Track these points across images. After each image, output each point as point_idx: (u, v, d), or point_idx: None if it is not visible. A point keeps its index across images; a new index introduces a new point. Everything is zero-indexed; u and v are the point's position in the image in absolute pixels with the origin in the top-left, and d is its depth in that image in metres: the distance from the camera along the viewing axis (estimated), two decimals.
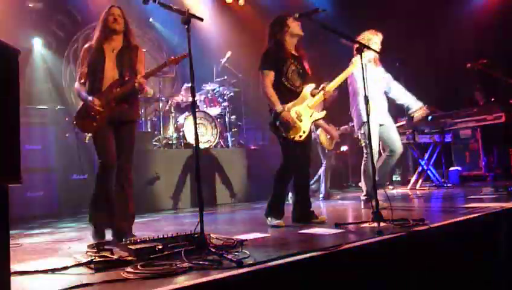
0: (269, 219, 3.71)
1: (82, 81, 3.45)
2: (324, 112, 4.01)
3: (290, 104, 3.69)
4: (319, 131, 6.42)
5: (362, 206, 4.65)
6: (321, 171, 6.57)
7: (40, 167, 6.18)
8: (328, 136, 6.47)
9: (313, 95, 3.79)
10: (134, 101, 3.51)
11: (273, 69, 3.71)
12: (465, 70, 5.87)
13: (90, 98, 3.35)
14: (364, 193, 4.68)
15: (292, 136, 3.63)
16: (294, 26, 3.79)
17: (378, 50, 4.58)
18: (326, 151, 6.57)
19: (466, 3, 8.50)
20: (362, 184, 4.74)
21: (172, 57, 3.48)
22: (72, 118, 3.54)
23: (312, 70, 3.93)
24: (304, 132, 3.68)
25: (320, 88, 3.83)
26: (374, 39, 4.58)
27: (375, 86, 4.56)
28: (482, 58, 6.71)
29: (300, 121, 3.68)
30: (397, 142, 4.70)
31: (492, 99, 7.31)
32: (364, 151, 4.68)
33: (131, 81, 3.38)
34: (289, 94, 3.74)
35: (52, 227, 4.87)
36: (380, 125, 4.67)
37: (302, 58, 3.89)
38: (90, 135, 3.43)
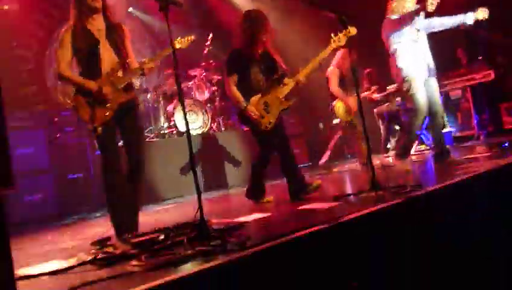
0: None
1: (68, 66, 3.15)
2: (292, 101, 3.95)
3: (255, 97, 3.81)
4: (337, 102, 6.03)
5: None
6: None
7: (35, 170, 6.15)
8: (346, 108, 6.01)
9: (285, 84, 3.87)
10: (132, 85, 3.35)
11: (237, 73, 3.87)
12: (449, 30, 5.84)
13: (93, 84, 3.08)
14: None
15: (260, 127, 3.79)
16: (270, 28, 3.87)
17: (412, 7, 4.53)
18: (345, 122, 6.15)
19: None
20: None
21: (180, 38, 3.43)
22: (77, 113, 3.17)
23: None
24: (271, 122, 3.80)
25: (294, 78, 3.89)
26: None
27: (415, 45, 4.57)
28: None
29: (268, 112, 3.81)
30: (437, 104, 4.64)
31: (480, 58, 7.31)
32: (411, 108, 4.75)
33: (135, 65, 3.20)
34: (255, 91, 3.85)
35: (53, 228, 4.88)
36: (425, 80, 4.61)
37: (270, 54, 3.97)
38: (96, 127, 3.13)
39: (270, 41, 3.96)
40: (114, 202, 3.18)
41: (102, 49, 3.18)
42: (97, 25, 3.22)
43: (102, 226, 3.43)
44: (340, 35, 3.84)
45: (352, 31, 3.80)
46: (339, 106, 6.03)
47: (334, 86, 6.01)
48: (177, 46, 3.43)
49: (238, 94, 3.84)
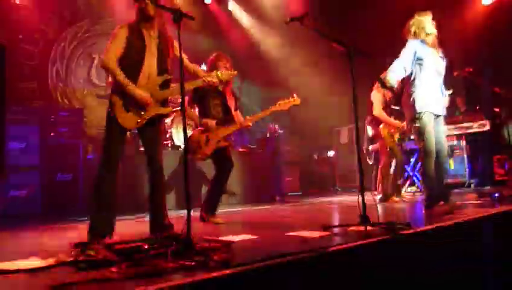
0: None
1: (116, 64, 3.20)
2: (227, 143, 4.32)
3: (200, 130, 4.24)
4: (382, 127, 5.88)
5: (423, 210, 4.11)
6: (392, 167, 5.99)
7: (24, 166, 6.08)
8: (391, 130, 5.89)
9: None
10: (167, 100, 3.45)
11: (199, 102, 4.36)
12: (451, 78, 5.93)
13: (140, 92, 3.17)
14: (425, 197, 4.14)
15: (195, 156, 4.22)
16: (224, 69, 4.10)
17: (431, 32, 4.20)
18: (388, 148, 5.96)
19: (455, 14, 8.60)
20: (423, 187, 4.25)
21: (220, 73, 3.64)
22: (110, 108, 3.21)
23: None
24: (206, 155, 4.22)
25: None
26: (425, 21, 4.21)
27: (434, 75, 4.17)
28: (468, 67, 6.84)
29: (206, 145, 4.20)
30: (444, 144, 4.22)
31: (478, 107, 7.42)
32: (422, 148, 4.10)
33: (171, 85, 3.35)
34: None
35: (35, 226, 4.79)
36: (436, 116, 4.17)
37: (225, 93, 4.38)
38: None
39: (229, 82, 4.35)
40: (98, 201, 3.20)
41: (148, 53, 3.26)
42: (151, 32, 3.31)
43: (85, 230, 3.36)
44: (286, 101, 4.31)
45: (297, 101, 4.31)
46: (383, 130, 5.89)
47: (378, 110, 5.89)
48: (219, 76, 3.60)
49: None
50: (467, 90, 7.89)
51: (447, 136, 7.46)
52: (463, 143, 7.38)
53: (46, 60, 8.04)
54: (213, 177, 4.40)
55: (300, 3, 9.43)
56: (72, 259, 2.37)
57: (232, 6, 10.56)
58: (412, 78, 4.18)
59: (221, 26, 10.34)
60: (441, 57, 4.26)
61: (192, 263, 2.15)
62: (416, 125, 4.07)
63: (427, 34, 4.21)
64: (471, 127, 7.27)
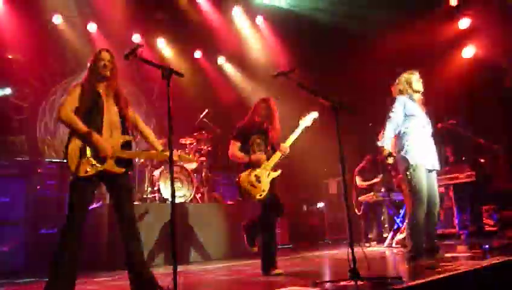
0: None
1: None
2: (279, 171, 4.35)
3: (247, 172, 4.23)
4: None
5: (406, 265, 3.97)
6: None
7: (8, 220, 5.94)
8: None
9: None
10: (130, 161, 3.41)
11: (240, 140, 4.40)
12: (436, 130, 6.06)
13: (102, 141, 3.16)
14: (409, 248, 3.99)
15: (253, 197, 4.19)
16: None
17: (417, 89, 4.33)
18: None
19: (436, 67, 8.91)
20: (407, 238, 4.09)
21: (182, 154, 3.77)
22: (65, 151, 3.18)
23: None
24: (264, 190, 4.19)
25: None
26: (412, 79, 4.35)
27: (424, 130, 4.24)
28: (451, 119, 7.03)
29: (259, 182, 4.19)
30: (436, 197, 4.20)
31: (463, 158, 7.53)
32: (412, 199, 4.04)
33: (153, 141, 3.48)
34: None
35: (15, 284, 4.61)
36: (429, 171, 4.17)
37: (268, 130, 4.47)
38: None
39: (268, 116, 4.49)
40: (59, 265, 3.05)
41: (106, 112, 3.28)
42: (105, 89, 3.35)
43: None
44: (307, 115, 4.55)
45: (315, 114, 4.54)
46: None
47: None
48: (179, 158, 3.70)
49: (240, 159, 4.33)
50: (452, 142, 8.03)
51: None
52: (451, 194, 7.41)
53: (35, 113, 8.08)
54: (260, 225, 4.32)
55: (286, 59, 9.77)
56: None
57: (221, 61, 10.85)
58: (402, 132, 4.21)
59: (210, 79, 10.58)
60: (426, 114, 4.36)
61: None
62: (408, 176, 4.03)
63: (414, 91, 4.35)
64: (458, 178, 7.33)
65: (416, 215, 3.99)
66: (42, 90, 8.22)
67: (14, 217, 6.00)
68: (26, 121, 7.93)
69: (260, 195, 4.18)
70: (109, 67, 3.33)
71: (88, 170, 3.13)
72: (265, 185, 4.21)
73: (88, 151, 3.15)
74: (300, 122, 4.53)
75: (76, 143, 3.15)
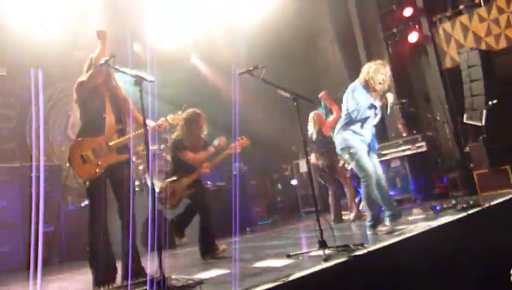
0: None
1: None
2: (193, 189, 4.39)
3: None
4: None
5: (368, 232, 4.07)
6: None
7: (6, 223, 5.84)
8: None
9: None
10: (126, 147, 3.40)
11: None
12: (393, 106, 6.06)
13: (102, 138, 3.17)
14: (369, 218, 4.08)
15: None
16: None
17: (379, 81, 4.06)
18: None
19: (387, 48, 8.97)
20: (366, 210, 4.15)
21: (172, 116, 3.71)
22: (69, 160, 3.17)
23: None
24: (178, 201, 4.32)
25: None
26: (377, 70, 4.08)
27: (370, 121, 4.18)
28: (402, 98, 7.16)
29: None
30: (381, 174, 4.23)
31: (414, 132, 7.71)
32: (360, 176, 4.10)
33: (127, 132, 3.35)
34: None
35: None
36: (368, 151, 4.20)
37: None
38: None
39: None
40: (95, 252, 3.08)
41: (108, 112, 3.25)
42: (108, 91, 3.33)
43: (66, 281, 3.22)
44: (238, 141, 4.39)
45: (245, 142, 4.39)
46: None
47: None
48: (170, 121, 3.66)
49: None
50: (405, 118, 8.20)
51: (392, 158, 7.73)
52: (405, 164, 7.59)
53: (24, 121, 7.84)
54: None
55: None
56: None
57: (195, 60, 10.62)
58: (347, 114, 4.17)
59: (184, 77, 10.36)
60: (379, 106, 4.18)
61: None
62: (348, 157, 4.13)
63: (376, 83, 4.09)
64: (411, 149, 7.51)
65: (366, 188, 4.06)
66: (28, 98, 7.95)
67: (12, 220, 5.91)
68: (15, 130, 7.70)
69: (172, 205, 4.34)
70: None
71: (97, 170, 3.14)
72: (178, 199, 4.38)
73: (89, 153, 3.13)
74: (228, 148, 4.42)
75: (75, 152, 3.13)
